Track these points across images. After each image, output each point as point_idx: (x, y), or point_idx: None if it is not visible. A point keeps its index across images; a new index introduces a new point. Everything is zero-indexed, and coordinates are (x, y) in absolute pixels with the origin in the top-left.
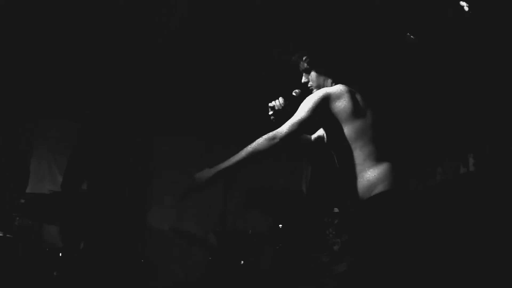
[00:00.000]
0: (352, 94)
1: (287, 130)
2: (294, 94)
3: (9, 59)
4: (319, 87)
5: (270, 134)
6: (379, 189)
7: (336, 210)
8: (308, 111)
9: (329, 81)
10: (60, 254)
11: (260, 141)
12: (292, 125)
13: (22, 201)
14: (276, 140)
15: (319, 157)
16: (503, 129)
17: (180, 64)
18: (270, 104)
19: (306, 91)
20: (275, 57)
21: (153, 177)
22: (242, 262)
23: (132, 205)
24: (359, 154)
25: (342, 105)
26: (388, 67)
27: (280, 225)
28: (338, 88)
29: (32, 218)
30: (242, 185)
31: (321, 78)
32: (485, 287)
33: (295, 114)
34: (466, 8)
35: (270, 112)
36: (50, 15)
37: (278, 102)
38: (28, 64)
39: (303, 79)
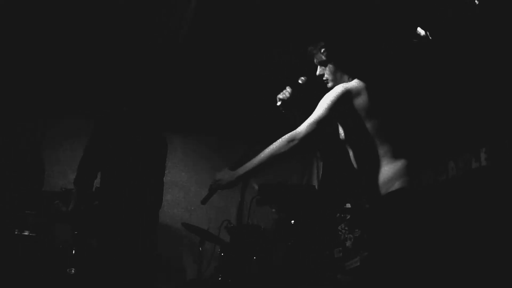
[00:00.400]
0: (369, 90)
1: (306, 131)
2: (300, 82)
3: (22, 59)
4: (334, 80)
5: (289, 135)
6: (396, 186)
7: (348, 205)
8: (326, 109)
9: (346, 76)
10: (73, 251)
11: (279, 144)
12: (311, 124)
13: (36, 199)
14: (295, 142)
15: (330, 152)
16: None
17: (190, 64)
18: (279, 96)
19: (314, 79)
20: (275, 57)
21: (165, 174)
22: (255, 258)
23: (144, 202)
24: (377, 151)
25: (362, 101)
26: (400, 63)
27: (292, 221)
28: (357, 84)
29: (45, 215)
30: (253, 181)
31: (338, 73)
32: (497, 281)
33: (314, 113)
34: (477, 1)
35: (279, 103)
36: (63, 15)
37: (286, 93)
38: (39, 64)
39: (318, 71)
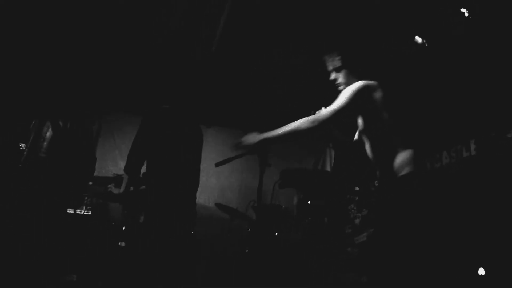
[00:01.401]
0: (382, 88)
1: (327, 116)
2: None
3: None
4: (347, 84)
5: (312, 117)
6: (406, 171)
7: (357, 188)
8: (347, 99)
9: (356, 79)
10: (124, 228)
11: (302, 121)
12: (331, 111)
13: (90, 183)
14: (316, 123)
15: (340, 144)
16: (501, 118)
17: (221, 69)
18: None
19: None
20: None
21: (200, 161)
22: (277, 233)
23: (184, 185)
24: (391, 141)
25: (378, 96)
26: (401, 67)
27: (309, 201)
28: (373, 81)
29: (99, 197)
30: (275, 167)
31: (350, 76)
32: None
33: (336, 102)
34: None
35: None
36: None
37: None
38: (104, 69)
39: (332, 77)
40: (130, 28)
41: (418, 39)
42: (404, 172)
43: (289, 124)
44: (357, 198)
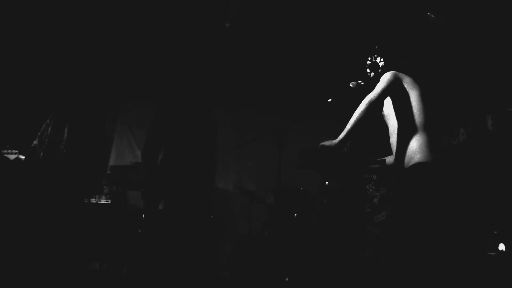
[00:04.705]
0: (404, 76)
1: (373, 98)
2: (351, 85)
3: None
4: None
5: (365, 101)
6: (416, 159)
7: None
8: (384, 85)
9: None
10: (143, 215)
11: (360, 109)
12: (375, 95)
13: (109, 172)
14: (369, 105)
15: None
16: None
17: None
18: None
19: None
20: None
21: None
22: (296, 215)
23: (201, 170)
24: (405, 127)
25: (408, 80)
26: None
27: (327, 182)
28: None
29: (118, 185)
30: (292, 149)
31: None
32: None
33: (376, 87)
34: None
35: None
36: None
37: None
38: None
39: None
40: (142, 17)
41: (431, 15)
42: (413, 161)
43: (353, 117)
44: (375, 177)
